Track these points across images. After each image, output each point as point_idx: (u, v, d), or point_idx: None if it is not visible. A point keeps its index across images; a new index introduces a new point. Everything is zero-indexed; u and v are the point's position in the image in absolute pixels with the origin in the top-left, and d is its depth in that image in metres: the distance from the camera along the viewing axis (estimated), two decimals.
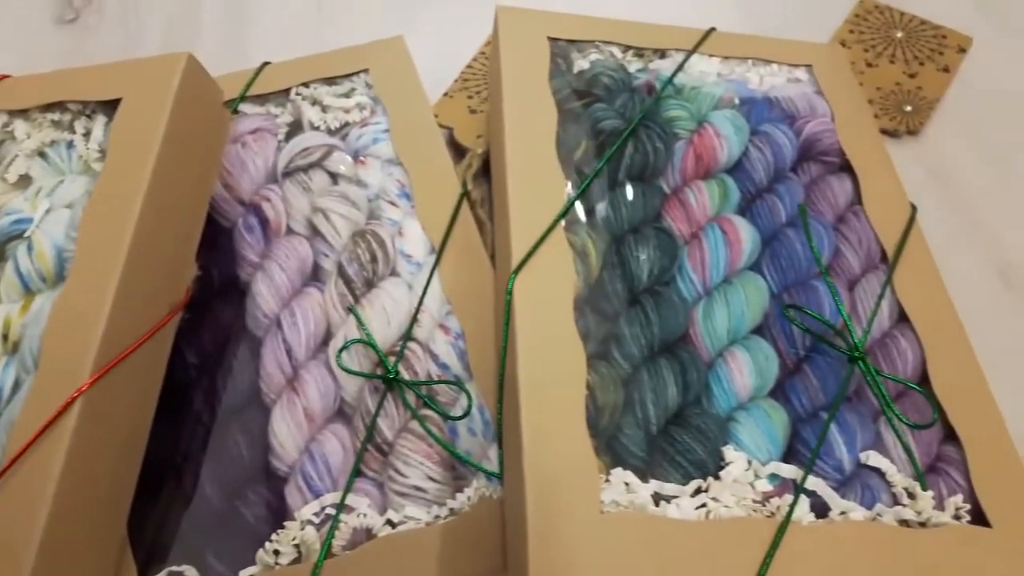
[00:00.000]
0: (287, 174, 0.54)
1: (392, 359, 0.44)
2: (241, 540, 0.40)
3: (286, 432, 0.43)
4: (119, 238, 0.40)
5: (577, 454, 0.35)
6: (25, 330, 0.40)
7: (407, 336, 0.46)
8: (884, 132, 0.61)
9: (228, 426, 0.44)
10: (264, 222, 0.51)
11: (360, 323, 0.45)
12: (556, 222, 0.43)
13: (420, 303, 0.47)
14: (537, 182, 0.45)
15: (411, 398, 0.44)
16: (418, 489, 0.41)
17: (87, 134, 0.46)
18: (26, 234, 0.43)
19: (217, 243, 0.51)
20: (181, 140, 0.44)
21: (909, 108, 0.62)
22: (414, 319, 0.46)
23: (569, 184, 0.45)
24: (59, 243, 0.42)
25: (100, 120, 0.46)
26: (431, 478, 0.42)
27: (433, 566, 0.38)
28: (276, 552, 0.40)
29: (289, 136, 0.57)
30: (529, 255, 0.41)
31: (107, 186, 0.42)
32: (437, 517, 0.40)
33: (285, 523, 0.40)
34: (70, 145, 0.47)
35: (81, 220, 0.41)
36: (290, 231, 0.52)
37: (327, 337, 0.47)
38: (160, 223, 0.42)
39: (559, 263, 0.41)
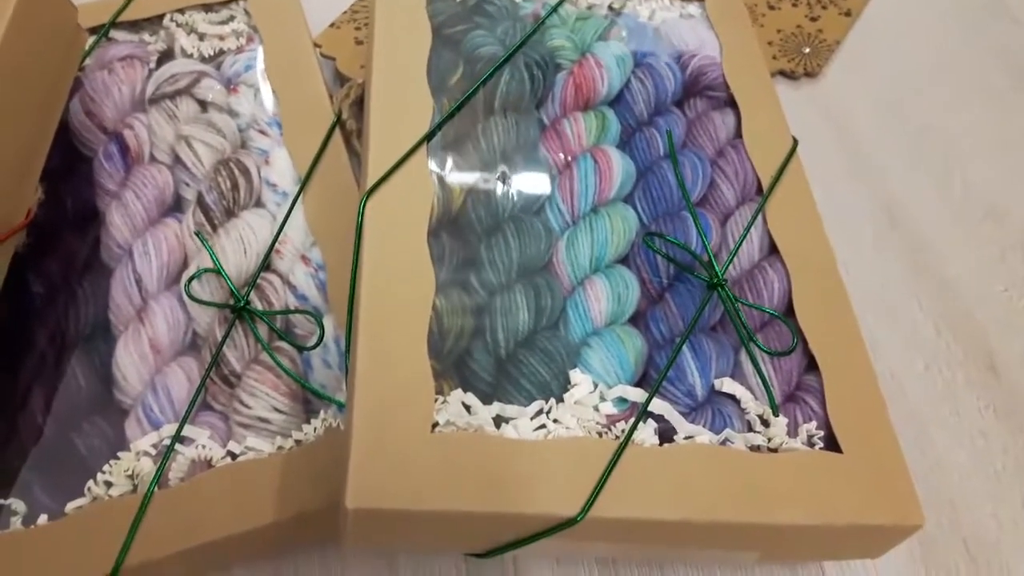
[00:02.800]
0: (153, 101, 0.51)
1: (245, 289, 0.42)
2: (73, 472, 0.38)
3: (130, 364, 0.41)
4: None
5: (412, 374, 0.34)
6: None
7: (263, 266, 0.44)
8: (782, 74, 0.60)
9: (73, 357, 0.42)
10: (125, 150, 0.49)
11: (208, 250, 0.43)
12: (417, 146, 0.41)
13: (280, 232, 0.45)
14: (402, 105, 0.43)
15: (262, 330, 0.42)
16: (262, 420, 0.39)
17: None
18: None
19: (77, 172, 0.49)
20: (19, 55, 0.41)
21: (808, 50, 0.61)
22: (271, 249, 0.44)
23: (438, 110, 0.43)
24: None
25: None
26: (277, 409, 0.40)
27: (270, 496, 0.37)
28: (108, 484, 0.38)
29: (160, 64, 0.54)
30: (384, 178, 0.40)
31: None
32: (280, 448, 0.39)
33: (119, 454, 0.38)
34: None
35: None
36: (153, 160, 0.49)
37: (182, 269, 0.45)
38: None
39: (416, 188, 0.40)
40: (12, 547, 0.36)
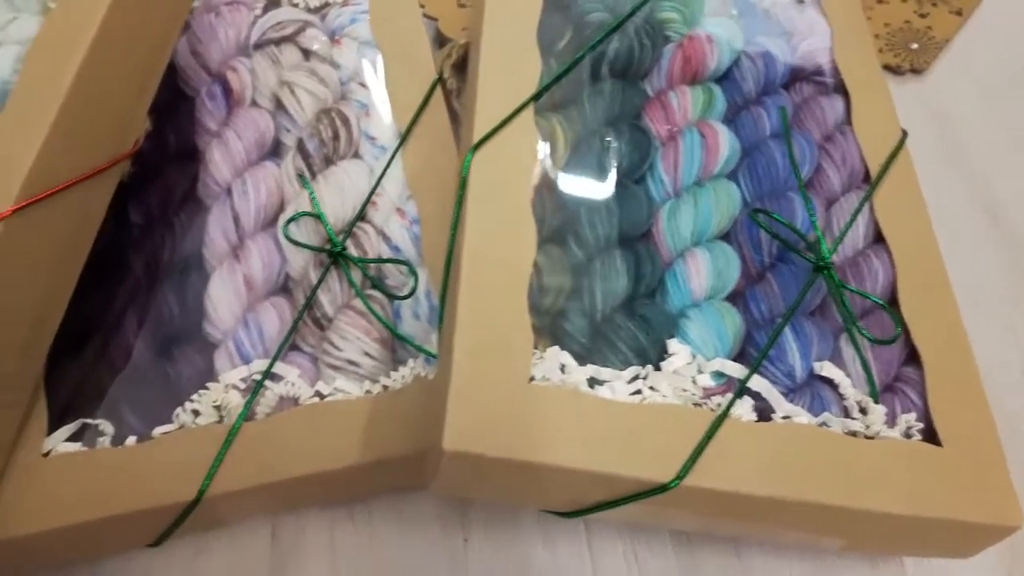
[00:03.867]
0: (258, 46, 0.51)
1: (341, 236, 0.42)
2: (161, 398, 0.39)
3: (222, 298, 0.42)
4: (62, 73, 0.38)
5: (512, 327, 0.33)
6: None
7: (359, 216, 0.44)
8: (887, 68, 0.59)
9: (166, 287, 0.42)
10: (228, 92, 0.49)
11: (311, 195, 0.43)
12: (525, 104, 0.40)
13: (377, 184, 0.45)
14: (511, 64, 0.42)
15: (356, 276, 0.42)
16: (352, 363, 0.39)
17: None
18: None
19: (179, 110, 0.49)
20: None
21: (915, 46, 0.59)
22: (368, 200, 0.44)
23: (546, 72, 0.43)
24: (4, 76, 0.40)
25: None
26: (367, 354, 0.40)
27: (356, 438, 0.37)
28: (195, 412, 0.38)
29: (266, 11, 0.54)
30: (492, 133, 0.39)
31: (57, 22, 0.39)
32: (368, 392, 0.39)
33: (208, 385, 0.39)
34: None
35: (27, 52, 0.39)
36: (254, 104, 0.49)
37: (279, 212, 0.45)
38: (108, 67, 0.40)
39: (522, 145, 0.39)
40: (100, 465, 0.36)
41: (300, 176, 0.44)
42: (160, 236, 0.44)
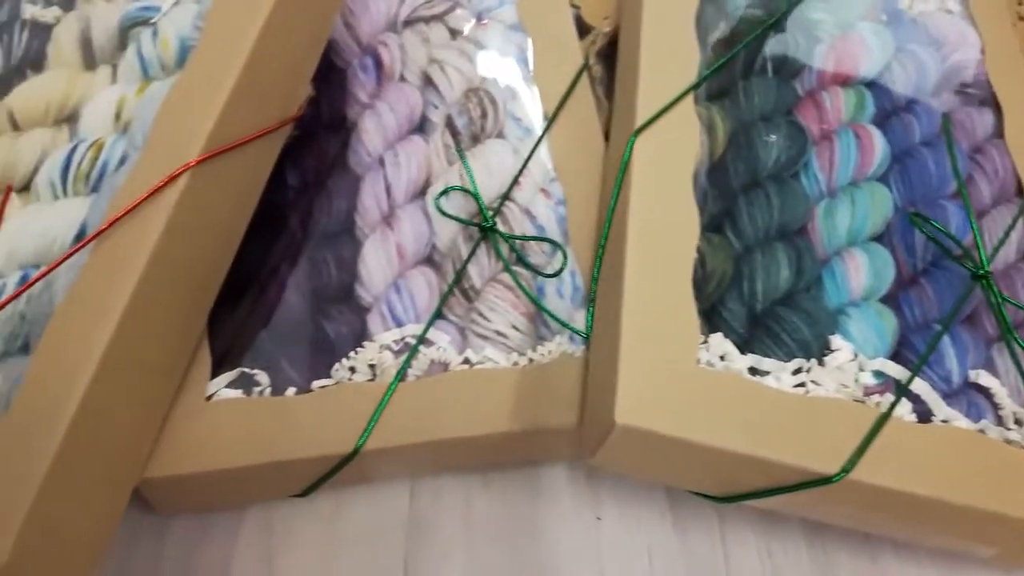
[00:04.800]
0: (408, 23, 0.53)
1: (490, 212, 0.43)
2: (318, 353, 0.40)
3: (376, 264, 0.43)
4: (246, 32, 0.39)
5: (678, 309, 0.34)
6: (138, 111, 0.40)
7: (506, 195, 0.45)
8: None
9: (320, 248, 0.43)
10: (379, 65, 0.50)
11: (467, 170, 0.44)
12: (687, 92, 0.41)
13: (525, 164, 0.46)
14: (670, 52, 0.43)
15: (504, 251, 0.42)
16: (500, 334, 0.40)
17: None
18: (152, 21, 0.42)
19: (330, 80, 0.51)
20: None
21: None
22: (516, 179, 0.45)
23: (703, 62, 0.43)
24: (184, 33, 0.42)
25: None
26: (515, 327, 0.41)
27: (506, 406, 0.38)
28: (352, 369, 0.39)
29: None
30: (654, 119, 0.40)
31: None
32: (515, 364, 0.39)
33: (364, 344, 0.40)
34: None
35: (209, 10, 0.40)
36: (402, 79, 0.51)
37: (426, 186, 0.46)
38: (285, 30, 0.41)
39: (684, 131, 0.40)
40: (261, 412, 0.38)
41: (458, 150, 0.45)
42: (313, 199, 0.46)
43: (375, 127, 0.47)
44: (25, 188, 0.41)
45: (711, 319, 0.36)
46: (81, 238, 0.37)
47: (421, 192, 0.46)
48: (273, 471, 0.37)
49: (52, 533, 0.31)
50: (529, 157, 0.46)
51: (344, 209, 0.45)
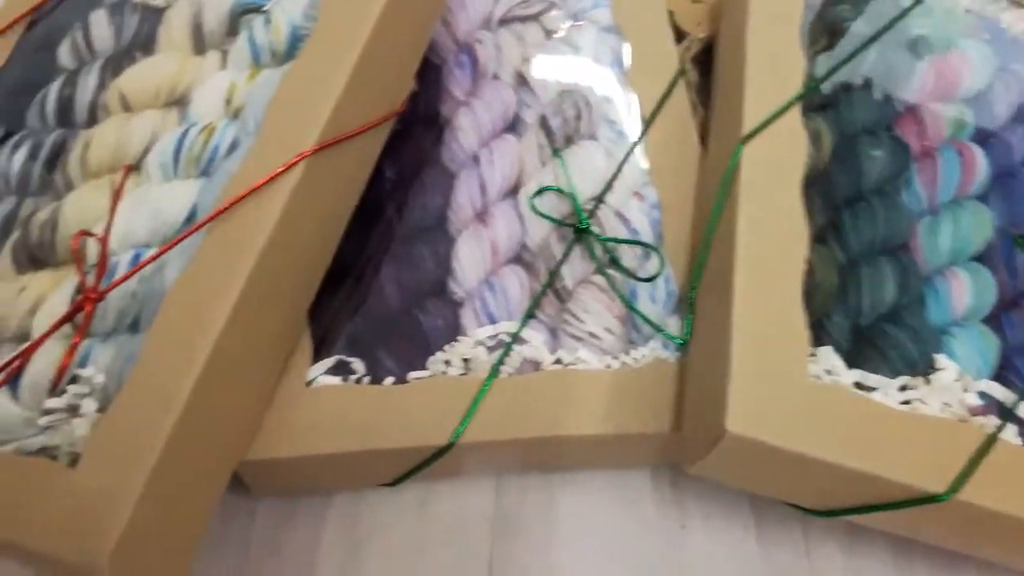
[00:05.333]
0: (503, 22, 0.53)
1: (584, 214, 0.43)
2: (414, 345, 0.40)
3: (470, 260, 0.43)
4: (362, 23, 0.40)
5: (789, 321, 0.34)
6: (250, 97, 0.41)
7: (600, 197, 0.45)
8: None
9: (415, 241, 0.44)
10: (475, 63, 0.51)
11: (565, 170, 0.44)
12: (794, 101, 0.41)
13: (620, 168, 0.46)
14: (777, 62, 0.43)
15: (598, 253, 0.43)
16: (593, 336, 0.40)
17: None
18: (264, 8, 0.43)
19: (425, 76, 0.51)
20: None
21: None
22: (610, 183, 0.45)
23: (807, 73, 0.43)
24: (295, 22, 0.43)
25: None
26: (608, 329, 0.41)
27: (599, 408, 0.38)
28: (447, 362, 0.40)
29: None
30: (762, 127, 0.39)
31: None
32: (608, 366, 0.40)
33: (459, 338, 0.40)
34: None
35: (324, 0, 0.41)
36: (496, 77, 0.51)
37: (518, 185, 0.47)
38: (398, 23, 0.42)
39: (791, 141, 0.40)
40: (360, 400, 0.38)
41: (555, 151, 0.45)
42: (408, 194, 0.46)
43: (470, 125, 0.48)
44: (135, 168, 0.41)
45: (816, 332, 0.36)
46: (191, 220, 0.38)
47: (513, 191, 0.46)
48: (369, 459, 0.38)
49: (163, 509, 0.31)
50: (625, 160, 0.46)
51: (438, 205, 0.46)
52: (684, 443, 0.35)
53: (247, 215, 0.35)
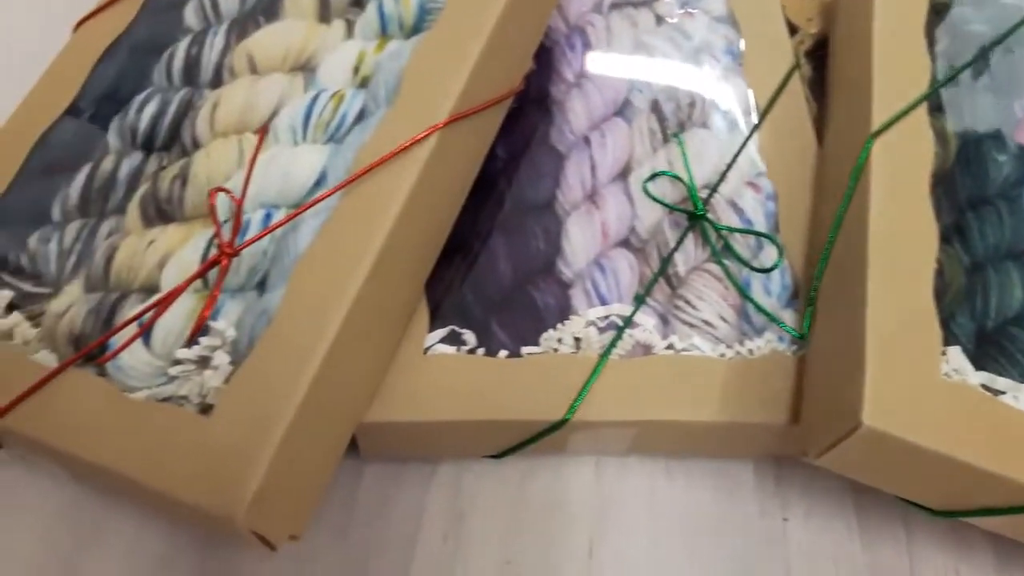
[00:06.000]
0: (615, 6, 0.53)
1: (700, 200, 0.43)
2: (526, 320, 0.41)
3: (580, 240, 0.43)
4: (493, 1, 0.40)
5: (921, 319, 0.34)
6: (378, 67, 0.41)
7: (716, 186, 0.45)
8: None
9: (526, 220, 0.44)
10: (587, 45, 0.51)
11: (684, 157, 0.44)
12: (921, 100, 0.40)
13: (735, 157, 0.46)
14: (903, 60, 0.42)
15: (713, 240, 0.42)
16: (708, 324, 0.40)
17: None
18: None
19: (536, 58, 0.51)
20: None
21: None
22: (726, 171, 0.45)
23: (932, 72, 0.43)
24: None
25: None
26: (722, 318, 0.41)
27: (714, 396, 0.38)
28: (559, 340, 0.40)
29: None
30: (890, 123, 0.39)
31: None
32: (722, 355, 0.39)
33: (571, 317, 0.40)
34: None
35: None
36: (606, 61, 0.51)
37: (626, 168, 0.47)
38: (527, 2, 0.42)
39: (919, 139, 0.39)
40: (476, 371, 0.39)
41: (676, 136, 0.45)
42: (518, 171, 0.46)
43: (582, 106, 0.48)
44: (262, 129, 0.42)
45: (943, 332, 0.36)
46: (320, 184, 0.38)
47: (622, 174, 0.46)
48: (480, 429, 0.38)
49: (292, 463, 0.32)
50: (741, 149, 0.46)
51: (548, 185, 0.46)
52: (807, 435, 0.35)
53: (382, 183, 0.36)
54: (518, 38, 0.43)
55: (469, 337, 0.40)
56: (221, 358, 0.34)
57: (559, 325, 0.40)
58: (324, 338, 0.32)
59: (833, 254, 0.39)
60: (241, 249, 0.35)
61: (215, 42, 0.44)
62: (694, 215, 0.43)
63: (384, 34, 0.43)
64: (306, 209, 0.36)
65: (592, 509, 0.40)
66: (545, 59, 0.51)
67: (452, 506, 0.40)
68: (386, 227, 0.35)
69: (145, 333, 0.35)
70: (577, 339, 0.40)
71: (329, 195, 0.36)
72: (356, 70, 0.42)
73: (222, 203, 0.37)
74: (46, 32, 0.48)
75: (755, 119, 0.48)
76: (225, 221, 0.37)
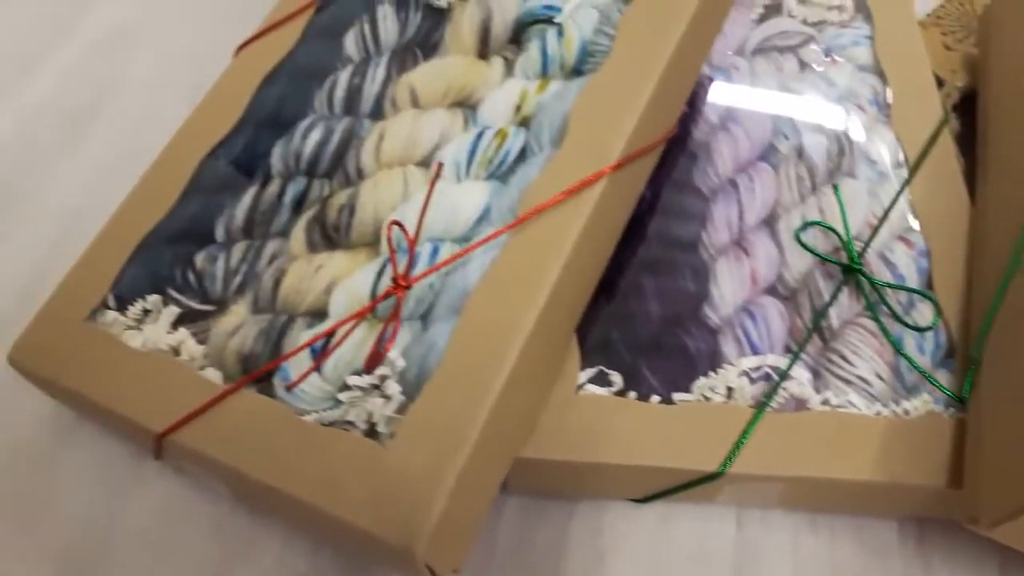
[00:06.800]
0: (759, 50, 0.53)
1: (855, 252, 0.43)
2: (678, 365, 0.41)
3: (729, 285, 0.43)
4: (663, 46, 0.40)
5: None
6: (540, 107, 0.42)
7: (869, 239, 0.44)
8: None
9: (673, 262, 0.44)
10: (731, 88, 0.51)
11: (840, 206, 0.44)
12: None
13: (889, 208, 0.45)
14: None
15: (868, 294, 0.42)
16: (863, 380, 0.40)
17: None
18: (555, 20, 0.44)
19: None
20: None
21: None
22: (879, 225, 0.44)
23: None
24: (586, 37, 0.44)
25: None
26: (878, 375, 0.40)
27: (870, 455, 0.37)
28: (711, 388, 0.40)
29: (763, 17, 0.56)
30: None
31: None
32: (878, 413, 0.39)
33: (724, 365, 0.40)
34: None
35: (624, 18, 0.42)
36: (752, 105, 0.51)
37: (773, 214, 0.46)
38: (690, 47, 0.42)
39: None
40: (629, 413, 0.39)
41: (833, 186, 0.45)
42: (664, 212, 0.46)
43: (728, 149, 0.48)
44: (422, 163, 0.43)
45: None
46: (483, 219, 0.39)
47: (768, 220, 0.46)
48: (631, 473, 0.38)
49: (465, 495, 0.32)
50: (894, 202, 0.45)
51: (694, 227, 0.46)
52: (972, 503, 0.34)
53: (552, 223, 0.36)
54: (679, 82, 0.43)
55: (616, 378, 0.40)
56: (393, 387, 0.35)
57: (711, 373, 0.40)
58: (501, 372, 0.33)
59: (998, 318, 0.38)
60: (415, 282, 0.36)
61: (376, 74, 0.46)
62: (849, 268, 0.42)
63: (544, 74, 0.44)
64: (478, 246, 0.36)
65: (734, 559, 0.40)
66: (689, 100, 0.51)
67: (593, 546, 0.40)
68: (557, 267, 0.35)
69: (319, 360, 0.36)
70: (730, 388, 0.40)
71: (501, 233, 0.36)
72: (518, 109, 0.42)
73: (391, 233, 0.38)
74: (209, 55, 0.49)
75: (905, 172, 0.47)
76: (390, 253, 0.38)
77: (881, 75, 0.52)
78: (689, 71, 0.44)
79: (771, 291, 0.45)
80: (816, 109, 0.50)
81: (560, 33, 0.44)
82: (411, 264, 0.37)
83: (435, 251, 0.38)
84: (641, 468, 0.37)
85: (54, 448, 0.43)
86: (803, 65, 0.53)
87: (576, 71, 0.44)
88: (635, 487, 0.40)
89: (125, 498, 0.41)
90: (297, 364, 0.36)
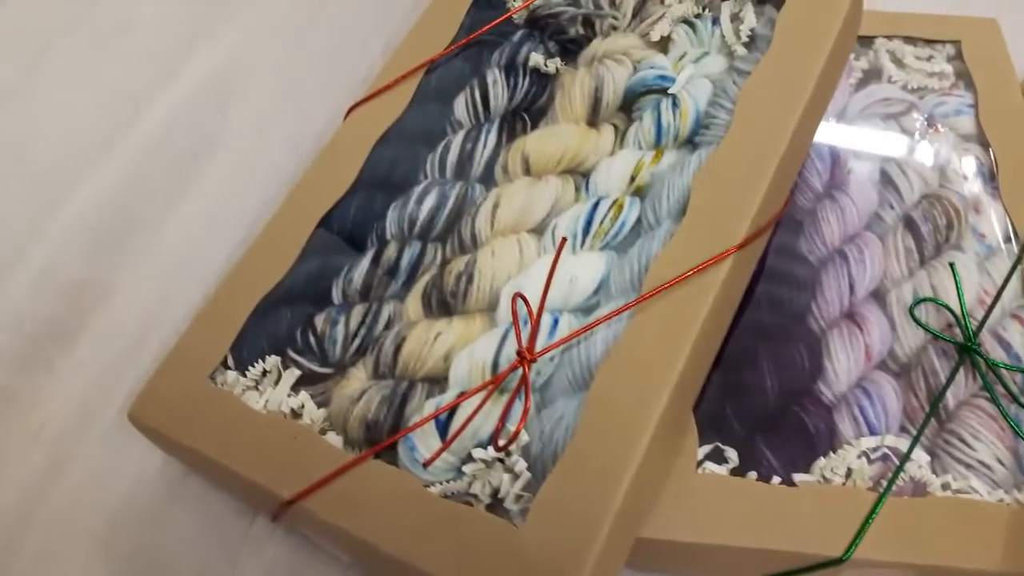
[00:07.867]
0: (861, 117, 0.53)
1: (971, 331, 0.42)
2: (796, 444, 0.40)
3: (843, 362, 0.43)
4: (785, 121, 0.40)
5: None
6: (656, 178, 0.42)
7: (984, 318, 0.44)
8: None
9: (786, 336, 0.44)
10: (835, 157, 0.51)
11: (956, 282, 0.43)
12: None
13: (1004, 285, 0.45)
14: None
15: (986, 374, 0.41)
16: (984, 465, 0.39)
17: (735, 17, 0.47)
18: (670, 91, 0.44)
19: None
20: (839, 46, 0.44)
21: None
22: (994, 302, 0.44)
23: None
24: (700, 108, 0.44)
25: (749, 7, 0.47)
26: (999, 460, 0.39)
27: (998, 545, 0.37)
28: (831, 469, 0.39)
29: (861, 83, 0.56)
30: None
31: (776, 71, 0.42)
32: (1000, 500, 0.38)
33: (844, 446, 0.40)
34: (715, 22, 0.48)
35: (742, 91, 0.42)
36: (852, 172, 0.51)
37: (881, 286, 0.46)
38: (808, 121, 0.42)
39: None
40: (749, 494, 0.38)
41: (951, 264, 0.45)
42: (772, 281, 0.46)
43: (836, 219, 0.48)
44: (535, 231, 0.43)
45: None
46: (599, 291, 0.39)
47: (876, 291, 0.46)
48: (751, 555, 0.38)
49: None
50: (1009, 277, 0.45)
51: (803, 297, 0.46)
52: None
53: (679, 299, 0.36)
54: (796, 157, 0.43)
55: (731, 455, 0.40)
56: (519, 463, 0.35)
57: (831, 454, 0.40)
58: (635, 454, 0.33)
59: None
60: (541, 355, 0.36)
61: (488, 139, 0.46)
62: (965, 347, 0.42)
63: (658, 144, 0.44)
64: (604, 321, 0.37)
65: None
66: None
67: None
68: (687, 346, 0.35)
69: (443, 430, 0.36)
70: (849, 470, 0.39)
71: (627, 309, 0.36)
72: (632, 179, 0.43)
73: (508, 303, 0.38)
74: (307, 102, 0.50)
75: (1015, 246, 0.47)
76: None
77: (985, 145, 0.51)
78: (804, 145, 0.44)
79: (882, 367, 0.44)
80: (920, 179, 0.49)
81: (675, 104, 0.44)
82: (535, 336, 0.37)
83: (555, 322, 0.38)
84: (764, 552, 0.37)
85: (165, 501, 0.44)
86: (905, 132, 0.53)
87: (689, 142, 0.44)
88: (754, 569, 0.39)
89: (237, 557, 0.42)
90: (422, 434, 0.36)
